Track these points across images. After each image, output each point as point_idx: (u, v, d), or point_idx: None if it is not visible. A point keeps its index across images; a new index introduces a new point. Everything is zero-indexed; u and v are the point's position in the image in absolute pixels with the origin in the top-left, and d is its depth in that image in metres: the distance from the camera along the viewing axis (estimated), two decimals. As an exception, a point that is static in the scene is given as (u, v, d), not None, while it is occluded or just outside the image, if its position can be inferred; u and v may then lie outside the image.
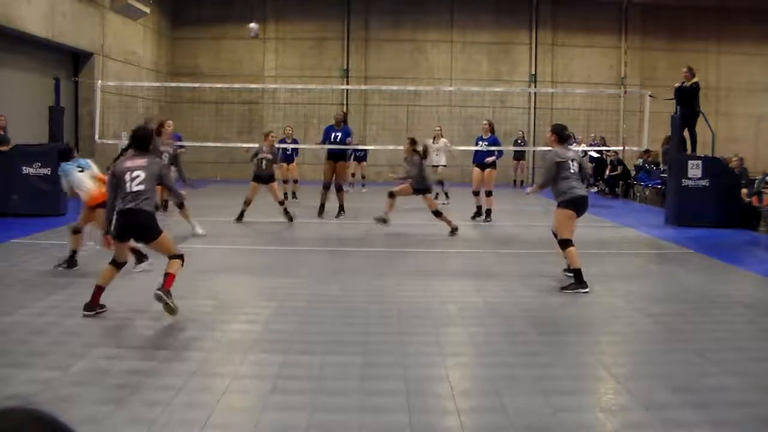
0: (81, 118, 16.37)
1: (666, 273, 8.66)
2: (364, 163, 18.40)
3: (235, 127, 21.04)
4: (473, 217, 12.82)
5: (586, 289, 7.08)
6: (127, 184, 5.69)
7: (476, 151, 12.95)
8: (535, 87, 21.74)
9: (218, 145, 18.07)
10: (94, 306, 5.81)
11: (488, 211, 12.66)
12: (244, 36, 21.95)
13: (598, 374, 4.75)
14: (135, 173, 5.72)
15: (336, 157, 12.65)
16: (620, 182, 18.58)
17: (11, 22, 12.80)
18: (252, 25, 14.85)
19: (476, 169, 12.80)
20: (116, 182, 5.74)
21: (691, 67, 13.26)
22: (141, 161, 5.81)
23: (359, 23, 21.97)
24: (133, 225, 5.74)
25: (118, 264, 5.93)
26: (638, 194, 17.90)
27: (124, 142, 17.77)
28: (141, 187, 5.70)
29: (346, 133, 12.82)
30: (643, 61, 22.24)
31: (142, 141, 5.97)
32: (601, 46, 22.30)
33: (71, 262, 7.88)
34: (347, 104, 21.85)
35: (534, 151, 21.60)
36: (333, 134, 12.68)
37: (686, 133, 13.18)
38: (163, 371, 4.54)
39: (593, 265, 8.84)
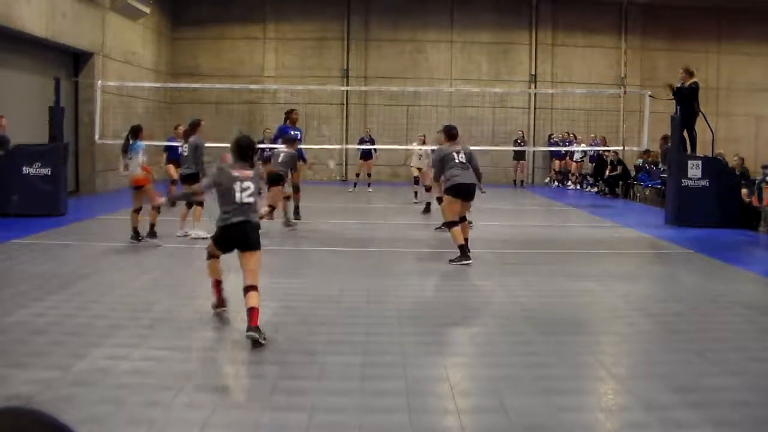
0: (81, 118, 16.36)
1: (666, 273, 8.66)
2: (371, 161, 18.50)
3: (235, 128, 21.04)
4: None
5: (469, 261, 8.40)
6: (237, 195, 5.45)
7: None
8: (535, 87, 21.74)
9: (218, 145, 18.04)
10: (222, 302, 5.90)
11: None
12: (244, 36, 22.03)
13: (598, 374, 4.75)
14: (245, 184, 5.49)
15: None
16: (620, 182, 18.58)
17: (11, 22, 12.79)
18: (330, 163, 15.22)
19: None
20: (226, 187, 5.48)
21: (687, 68, 13.26)
22: (248, 173, 5.59)
23: (359, 23, 21.97)
24: (239, 237, 5.50)
25: (216, 256, 5.83)
26: (638, 194, 17.90)
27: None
28: (251, 200, 5.51)
29: (300, 133, 12.72)
30: (643, 61, 22.24)
31: (245, 151, 5.70)
32: (601, 46, 22.29)
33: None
34: (347, 104, 21.86)
35: (534, 151, 21.62)
36: (292, 133, 12.11)
37: (686, 133, 13.18)
38: (163, 371, 4.54)
39: (593, 264, 8.85)
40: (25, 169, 11.96)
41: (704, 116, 13.23)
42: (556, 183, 21.71)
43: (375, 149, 18.20)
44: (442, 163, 8.68)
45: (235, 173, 5.52)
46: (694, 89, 12.97)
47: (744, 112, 22.21)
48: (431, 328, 5.73)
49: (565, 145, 20.73)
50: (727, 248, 10.31)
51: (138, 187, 9.48)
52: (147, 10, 18.40)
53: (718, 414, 4.00)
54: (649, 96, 14.92)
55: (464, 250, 8.45)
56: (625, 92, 20.19)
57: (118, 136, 16.87)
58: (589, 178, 20.61)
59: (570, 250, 9.99)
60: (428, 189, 13.45)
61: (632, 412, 4.04)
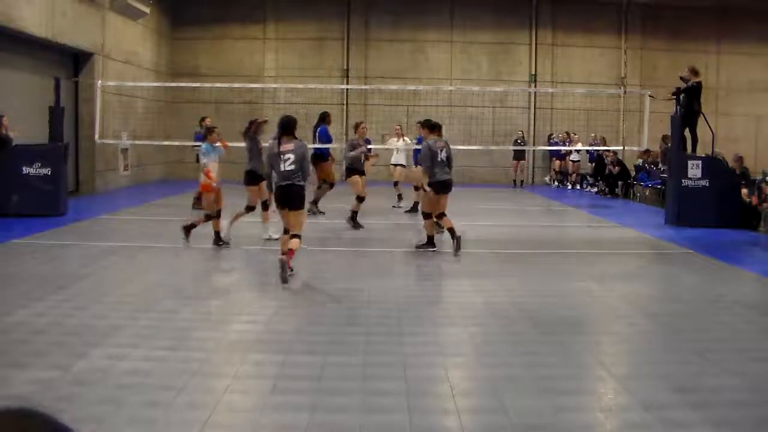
0: (81, 118, 16.34)
1: (666, 273, 8.66)
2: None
3: (235, 128, 21.02)
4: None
5: (434, 248, 9.24)
6: (281, 165, 7.21)
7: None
8: (535, 87, 21.73)
9: (218, 144, 18.04)
10: (288, 269, 7.04)
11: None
12: (244, 36, 22.02)
13: (598, 374, 4.75)
14: (286, 156, 7.22)
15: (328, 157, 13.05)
16: (620, 182, 18.57)
17: (11, 22, 12.79)
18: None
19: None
20: (272, 161, 7.33)
21: (693, 67, 13.28)
22: (290, 145, 7.27)
23: (359, 23, 21.96)
24: (287, 197, 7.26)
25: (293, 234, 7.26)
26: (638, 194, 17.89)
27: (125, 142, 17.84)
28: (292, 167, 7.21)
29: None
30: (643, 61, 22.23)
31: (288, 127, 7.39)
32: (601, 46, 22.28)
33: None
34: (347, 104, 21.85)
35: (534, 151, 21.62)
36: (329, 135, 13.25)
37: (687, 133, 13.19)
38: (163, 371, 4.54)
39: (593, 264, 8.85)
40: (25, 169, 11.94)
41: (704, 116, 13.23)
42: (556, 183, 21.71)
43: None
44: (431, 159, 9.06)
45: (279, 149, 7.25)
46: (695, 88, 12.97)
47: (744, 112, 22.19)
48: (431, 328, 5.73)
49: (565, 146, 20.72)
50: (727, 248, 10.31)
51: (206, 192, 9.28)
52: (147, 10, 18.40)
53: (718, 414, 4.00)
54: (649, 96, 14.93)
55: (432, 240, 9.28)
56: (625, 92, 20.18)
57: (118, 136, 17.02)
58: (588, 178, 20.60)
59: (570, 250, 9.99)
60: (417, 188, 13.32)
61: (632, 412, 4.04)
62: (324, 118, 13.21)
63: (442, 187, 9.15)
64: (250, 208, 9.76)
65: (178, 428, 3.73)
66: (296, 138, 7.42)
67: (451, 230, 9.06)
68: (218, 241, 9.20)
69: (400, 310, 6.26)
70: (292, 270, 7.20)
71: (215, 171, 9.20)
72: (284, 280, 6.94)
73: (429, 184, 9.10)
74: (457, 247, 8.94)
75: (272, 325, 5.78)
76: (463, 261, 8.88)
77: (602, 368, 4.84)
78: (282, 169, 7.20)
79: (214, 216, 9.19)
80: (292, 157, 7.20)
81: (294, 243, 7.17)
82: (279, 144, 7.28)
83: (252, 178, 9.63)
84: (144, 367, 4.61)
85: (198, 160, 13.34)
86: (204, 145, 9.33)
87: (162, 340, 5.25)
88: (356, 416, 3.89)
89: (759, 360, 5.05)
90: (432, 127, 9.43)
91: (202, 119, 14.12)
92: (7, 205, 11.52)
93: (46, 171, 12.03)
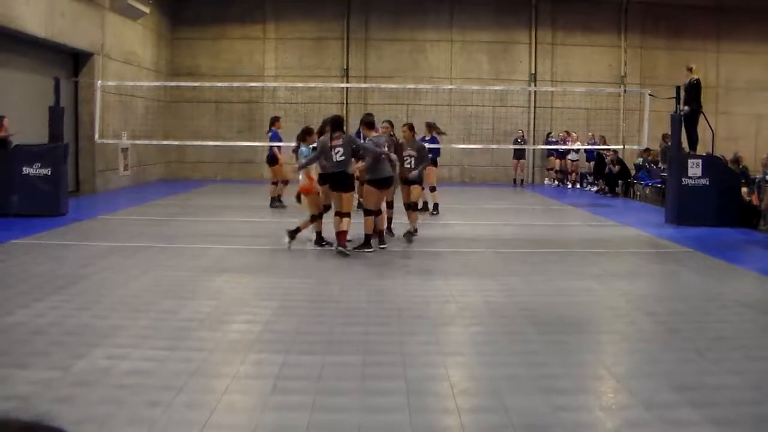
0: (81, 118, 16.35)
1: (666, 272, 8.66)
2: None
3: (235, 127, 21.06)
4: None
5: (371, 249, 9.17)
6: (333, 156, 8.63)
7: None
8: (535, 86, 21.72)
9: (218, 144, 18.10)
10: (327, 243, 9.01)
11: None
12: (244, 36, 22.03)
13: (598, 373, 4.75)
14: (337, 149, 8.64)
15: None
16: (620, 181, 18.56)
17: (11, 22, 12.79)
18: None
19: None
20: (325, 154, 8.67)
21: (687, 65, 13.31)
22: (339, 141, 8.66)
23: (359, 23, 21.95)
24: (338, 181, 8.69)
25: (341, 214, 8.76)
26: (638, 193, 17.88)
27: (125, 142, 17.82)
28: (343, 158, 8.65)
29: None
30: (643, 60, 22.23)
31: (338, 123, 8.91)
32: (601, 45, 22.27)
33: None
34: (347, 103, 21.85)
35: (534, 150, 21.61)
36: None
37: (688, 132, 13.19)
38: (163, 371, 4.54)
39: (593, 263, 8.85)
40: (25, 169, 11.94)
41: (704, 115, 13.22)
42: (556, 182, 21.70)
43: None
44: (376, 156, 9.26)
45: (331, 144, 8.66)
46: (694, 86, 12.96)
47: (744, 111, 22.19)
48: (431, 328, 5.73)
49: (565, 145, 20.72)
50: (728, 247, 10.31)
51: (307, 194, 9.30)
52: (147, 10, 18.39)
53: (718, 412, 4.00)
54: (649, 95, 14.93)
55: (368, 241, 9.22)
56: (624, 91, 20.18)
57: (118, 136, 17.02)
58: (588, 177, 20.60)
59: (570, 249, 9.99)
60: (432, 189, 13.40)
61: (632, 411, 4.04)
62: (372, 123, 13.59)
63: (384, 183, 9.32)
64: (327, 207, 9.84)
65: (178, 428, 3.73)
66: (344, 133, 8.88)
67: (380, 231, 9.56)
68: (320, 241, 9.40)
69: (400, 309, 6.26)
70: (350, 241, 8.90)
71: (313, 172, 9.22)
72: (344, 254, 8.61)
73: (372, 181, 9.15)
74: (363, 246, 9.15)
75: (272, 325, 5.77)
76: (463, 260, 8.88)
77: (602, 367, 4.84)
78: (334, 160, 8.60)
79: (316, 216, 9.30)
80: (341, 150, 8.60)
81: (345, 223, 8.66)
82: (331, 139, 8.63)
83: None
84: (144, 367, 4.61)
85: (271, 162, 13.55)
86: (302, 148, 9.42)
87: (162, 340, 5.25)
88: (356, 416, 3.89)
89: (759, 358, 5.05)
90: (371, 124, 9.66)
91: (276, 119, 14.18)
92: (7, 205, 11.52)
93: (46, 171, 12.02)
